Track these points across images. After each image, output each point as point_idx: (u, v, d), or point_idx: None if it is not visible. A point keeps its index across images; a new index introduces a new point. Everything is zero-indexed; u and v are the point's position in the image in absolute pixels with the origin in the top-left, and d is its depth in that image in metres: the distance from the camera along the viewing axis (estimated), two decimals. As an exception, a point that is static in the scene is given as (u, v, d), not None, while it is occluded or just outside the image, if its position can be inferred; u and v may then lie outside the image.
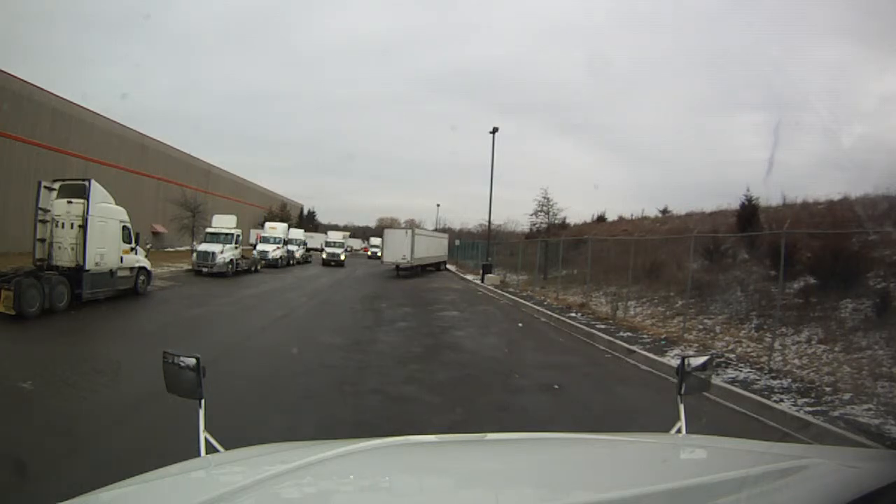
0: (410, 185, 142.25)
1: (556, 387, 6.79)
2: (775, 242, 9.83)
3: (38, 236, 11.65)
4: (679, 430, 1.76)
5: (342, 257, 35.03)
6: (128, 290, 13.21)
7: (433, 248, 31.44)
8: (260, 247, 28.24)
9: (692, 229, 15.01)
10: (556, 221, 26.34)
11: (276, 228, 31.17)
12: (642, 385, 7.26)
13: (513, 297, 17.96)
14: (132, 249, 13.33)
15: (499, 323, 13.03)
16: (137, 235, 13.74)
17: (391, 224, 59.62)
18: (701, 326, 10.66)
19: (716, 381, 6.47)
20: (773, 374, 7.18)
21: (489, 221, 31.95)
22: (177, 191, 31.33)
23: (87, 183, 11.75)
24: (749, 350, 8.73)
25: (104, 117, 29.59)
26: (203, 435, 1.58)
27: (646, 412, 5.81)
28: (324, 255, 35.22)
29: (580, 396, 6.55)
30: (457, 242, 41.33)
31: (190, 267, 21.07)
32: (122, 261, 12.83)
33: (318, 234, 54.17)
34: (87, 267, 11.41)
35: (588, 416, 5.78)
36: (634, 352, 8.93)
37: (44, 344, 8.26)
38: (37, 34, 56.96)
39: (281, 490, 1.22)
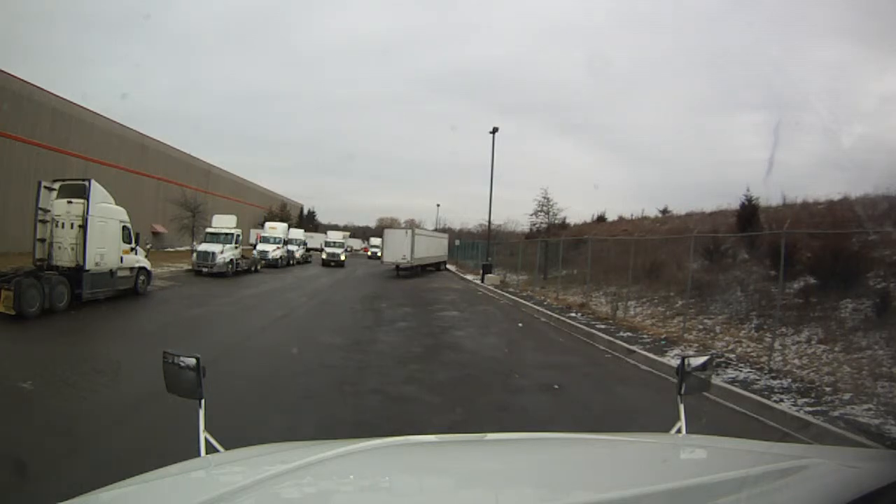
0: (410, 185, 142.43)
1: (556, 387, 6.79)
2: (775, 242, 9.83)
3: (38, 236, 11.65)
4: (679, 430, 1.76)
5: (342, 257, 34.94)
6: (128, 290, 13.22)
7: (433, 248, 31.43)
8: (260, 247, 28.22)
9: (692, 229, 15.02)
10: (556, 221, 26.37)
11: (276, 228, 31.15)
12: (642, 385, 7.26)
13: (513, 297, 17.96)
14: (132, 249, 13.34)
15: (499, 323, 13.03)
16: (137, 235, 13.75)
17: (391, 224, 59.61)
18: (701, 326, 10.66)
19: (716, 381, 6.47)
20: (773, 374, 7.18)
21: (489, 221, 32.02)
22: (177, 191, 31.33)
23: (87, 183, 11.76)
24: (749, 350, 8.73)
25: (104, 117, 29.60)
26: (203, 435, 1.58)
27: (646, 412, 5.82)
28: (324, 256, 35.13)
29: (580, 396, 6.55)
30: (457, 242, 41.32)
31: (190, 267, 21.08)
32: (122, 261, 12.84)
33: (317, 234, 54.10)
34: (87, 267, 11.41)
35: (588, 416, 5.78)
36: (634, 352, 8.93)
37: (44, 344, 8.26)
38: (37, 34, 57.04)
39: (281, 490, 1.22)
